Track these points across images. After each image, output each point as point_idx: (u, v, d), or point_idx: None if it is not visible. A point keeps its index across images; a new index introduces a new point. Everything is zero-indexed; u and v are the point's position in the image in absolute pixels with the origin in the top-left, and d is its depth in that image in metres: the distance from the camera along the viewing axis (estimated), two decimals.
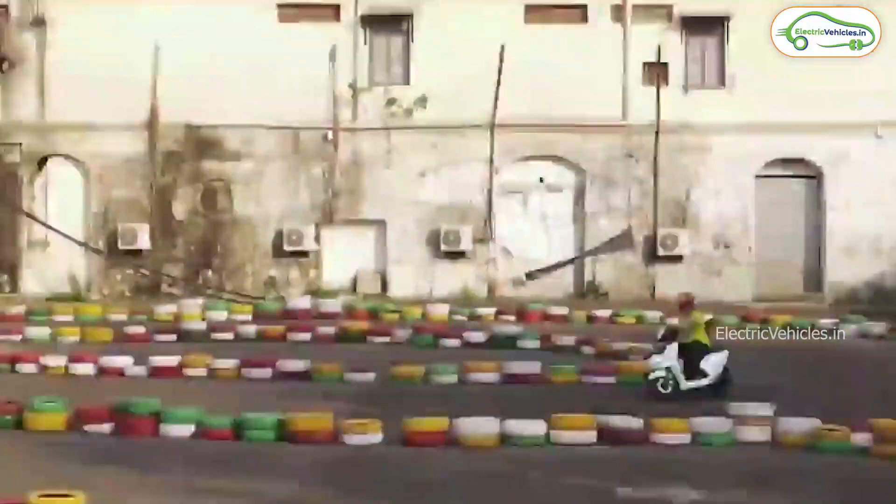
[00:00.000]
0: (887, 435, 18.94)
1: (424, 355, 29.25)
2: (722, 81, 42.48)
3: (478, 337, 32.38)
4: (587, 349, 30.53)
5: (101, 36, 41.02)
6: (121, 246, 41.57)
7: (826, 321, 35.72)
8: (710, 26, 42.23)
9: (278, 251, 42.02)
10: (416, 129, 41.95)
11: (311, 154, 42.16)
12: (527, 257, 42.37)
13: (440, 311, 37.49)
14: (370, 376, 26.34)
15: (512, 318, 36.66)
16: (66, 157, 42.30)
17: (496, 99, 41.32)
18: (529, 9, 41.98)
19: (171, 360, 27.07)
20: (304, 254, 42.07)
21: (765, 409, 20.24)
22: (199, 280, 42.09)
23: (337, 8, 42.26)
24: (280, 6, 42.06)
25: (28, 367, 26.91)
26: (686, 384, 23.83)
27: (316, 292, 40.80)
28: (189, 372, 26.80)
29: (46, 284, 41.36)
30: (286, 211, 42.19)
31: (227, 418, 20.00)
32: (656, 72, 42.14)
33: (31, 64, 42.03)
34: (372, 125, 42.22)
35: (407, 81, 42.52)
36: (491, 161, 41.84)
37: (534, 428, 19.33)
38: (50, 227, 41.84)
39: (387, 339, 33.16)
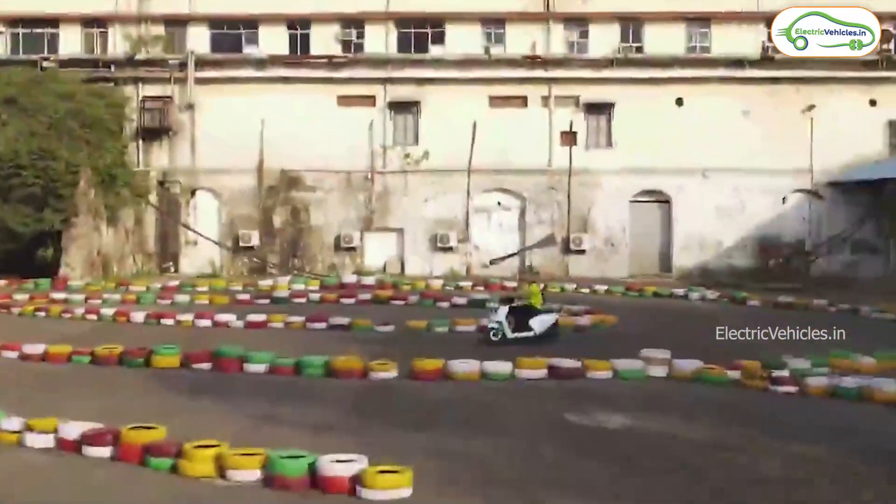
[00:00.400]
0: (752, 372, 18.46)
1: (427, 313, 29.75)
2: (609, 143, 44.32)
3: (461, 301, 32.92)
4: None
5: (229, 114, 43.53)
6: (241, 244, 44.09)
7: (679, 290, 36.90)
8: (602, 109, 44.20)
9: (337, 246, 44.12)
10: (422, 172, 44.07)
11: (358, 187, 44.23)
12: (489, 250, 44.30)
13: (437, 283, 38.66)
14: (391, 328, 26.19)
15: (482, 288, 37.45)
16: (208, 189, 44.70)
17: (471, 153, 43.54)
18: (491, 98, 44.11)
19: (261, 317, 27.04)
20: (353, 248, 44.02)
21: (664, 353, 19.45)
22: (289, 264, 44.05)
23: (373, 98, 44.38)
24: (339, 96, 44.26)
25: (168, 321, 27.34)
26: (511, 335, 22.80)
27: (360, 272, 42.32)
28: (272, 325, 26.65)
29: (196, 267, 43.77)
30: (342, 222, 44.13)
31: (291, 359, 19.47)
32: (569, 137, 43.94)
33: (186, 132, 44.52)
34: (395, 170, 44.32)
35: (416, 143, 44.38)
36: (468, 192, 43.95)
37: (503, 367, 18.86)
38: (197, 233, 44.19)
39: (403, 302, 33.51)
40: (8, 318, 29.36)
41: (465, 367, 19.06)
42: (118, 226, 43.33)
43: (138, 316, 28.39)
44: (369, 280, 39.89)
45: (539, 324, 23.26)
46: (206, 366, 20.06)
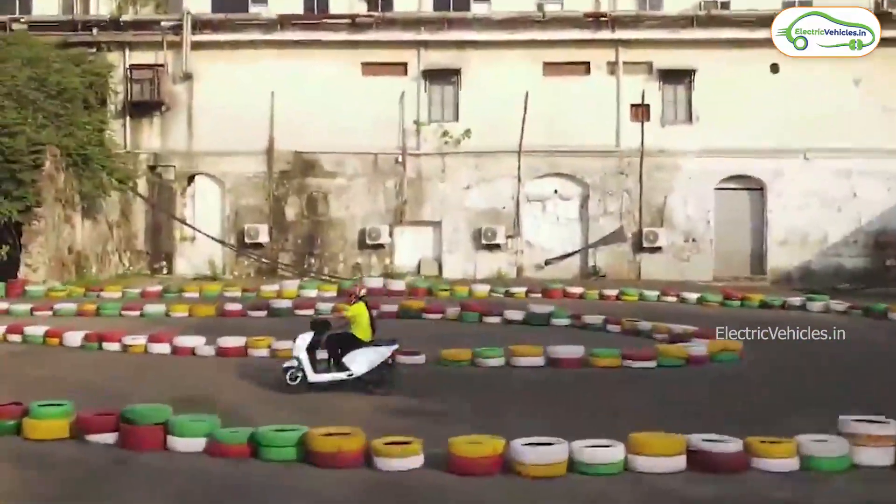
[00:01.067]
0: None
1: (471, 332, 22.89)
2: (689, 118, 37.50)
3: (516, 315, 25.29)
4: (613, 327, 23.40)
5: (232, 86, 37.41)
6: (246, 240, 37.63)
7: (794, 299, 29.65)
8: (680, 77, 37.36)
9: (362, 244, 37.82)
10: (463, 154, 37.62)
11: (386, 172, 37.89)
12: (544, 248, 37.90)
13: (482, 289, 31.71)
14: (420, 359, 18.79)
15: (538, 295, 30.68)
16: (208, 175, 38.31)
17: (522, 131, 36.98)
18: (546, 65, 37.52)
19: (238, 341, 19.90)
20: (381, 246, 37.76)
21: (881, 425, 11.35)
22: (304, 265, 37.72)
23: (405, 65, 37.98)
24: (364, 63, 37.93)
25: (112, 346, 20.30)
26: (314, 377, 15.79)
27: (390, 274, 36.24)
28: (253, 353, 19.56)
29: (193, 268, 37.50)
30: (368, 214, 37.91)
31: (243, 432, 11.87)
32: (640, 111, 37.56)
33: (182, 107, 38.18)
34: (430, 151, 37.89)
35: (456, 119, 37.89)
36: (518, 177, 37.44)
37: (609, 455, 10.88)
38: (194, 227, 37.61)
39: (439, 315, 26.13)
40: None
41: (540, 454, 10.77)
42: (98, 218, 36.33)
43: (74, 338, 20.84)
44: (398, 284, 32.83)
45: (360, 362, 15.92)
46: (108, 438, 12.33)
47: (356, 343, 16.00)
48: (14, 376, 16.59)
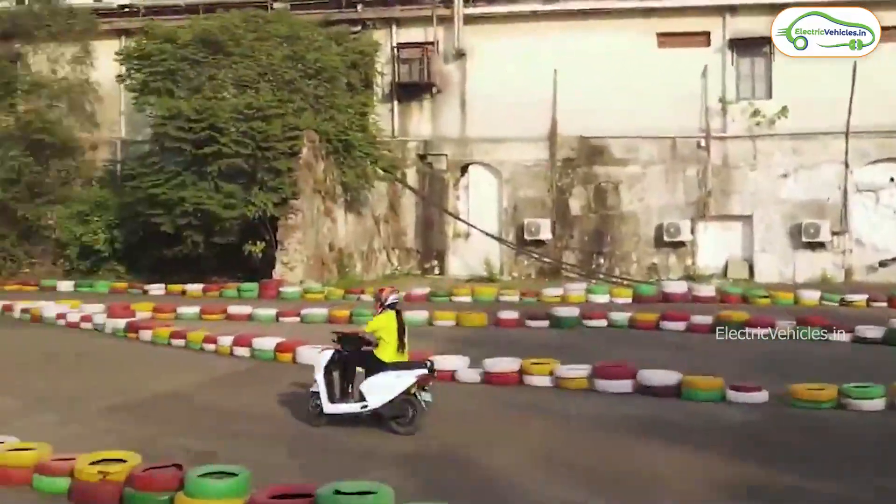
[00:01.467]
0: None
1: (815, 354, 18.07)
2: None
3: (874, 332, 19.63)
4: None
5: (510, 63, 34.04)
6: (526, 237, 34.06)
7: None
8: None
9: (659, 241, 33.69)
10: (778, 137, 33.10)
11: (686, 159, 33.58)
12: (878, 247, 32.77)
13: (810, 296, 26.19)
14: (761, 396, 13.83)
15: (883, 304, 25.13)
16: (483, 164, 35.02)
17: (850, 109, 32.00)
18: (884, 30, 31.01)
19: (511, 365, 15.52)
20: (681, 244, 33.48)
21: None
22: (592, 265, 33.74)
23: (707, 34, 33.74)
24: (659, 34, 33.91)
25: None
26: (330, 407, 12.37)
27: (692, 277, 32.02)
28: (530, 380, 15.24)
29: (467, 268, 34.30)
30: (665, 207, 33.71)
31: None
32: None
33: (454, 89, 35.07)
34: (739, 133, 33.52)
35: (769, 96, 33.36)
36: (846, 163, 32.57)
37: None
38: (468, 223, 34.40)
39: (766, 330, 20.08)
40: (129, 348, 20.00)
41: None
42: (363, 212, 33.51)
43: (309, 354, 16.70)
44: (706, 290, 27.81)
45: (377, 392, 12.15)
46: None
47: (377, 366, 12.38)
48: (216, 409, 13.07)
